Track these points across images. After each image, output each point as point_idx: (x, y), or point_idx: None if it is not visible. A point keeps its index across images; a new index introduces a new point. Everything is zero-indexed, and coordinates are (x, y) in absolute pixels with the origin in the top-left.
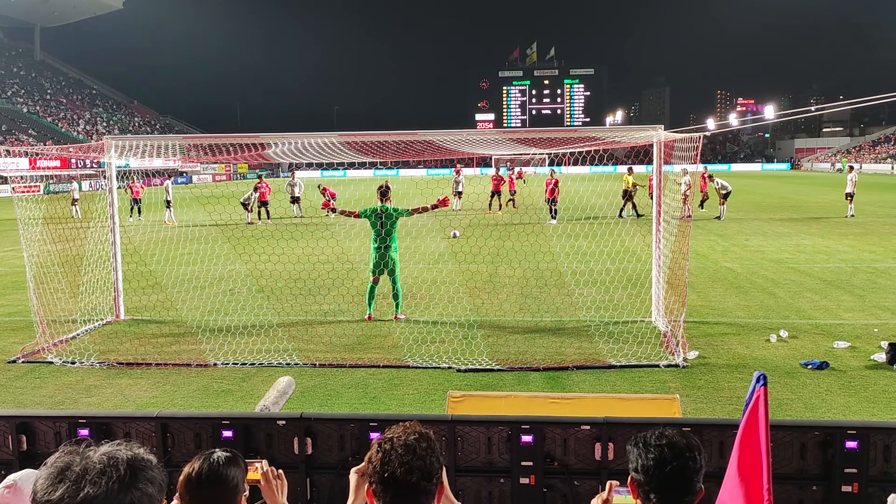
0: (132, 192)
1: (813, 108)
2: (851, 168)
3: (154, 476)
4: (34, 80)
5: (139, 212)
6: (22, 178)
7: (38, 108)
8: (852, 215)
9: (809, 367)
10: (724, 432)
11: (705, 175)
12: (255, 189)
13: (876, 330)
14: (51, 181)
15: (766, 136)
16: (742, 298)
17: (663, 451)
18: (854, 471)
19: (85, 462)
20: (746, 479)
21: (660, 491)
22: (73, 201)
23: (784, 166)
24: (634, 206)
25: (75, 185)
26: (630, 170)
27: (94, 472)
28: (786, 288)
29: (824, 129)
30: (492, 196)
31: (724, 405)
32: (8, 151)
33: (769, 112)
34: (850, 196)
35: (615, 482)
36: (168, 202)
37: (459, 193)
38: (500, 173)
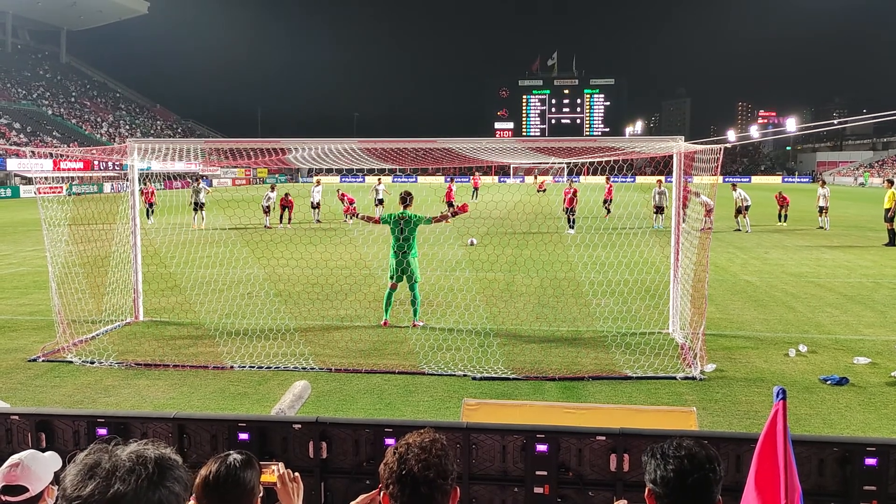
0: (145, 197)
1: (835, 122)
2: (824, 183)
3: (181, 475)
4: (59, 82)
5: (150, 215)
6: (45, 178)
7: (62, 110)
8: (821, 227)
9: (829, 382)
10: (742, 446)
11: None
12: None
13: None
14: (74, 182)
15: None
16: (761, 312)
17: (683, 462)
18: (873, 488)
19: (114, 460)
20: (764, 493)
21: (679, 503)
22: None
23: (806, 179)
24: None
25: None
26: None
27: (123, 470)
28: (805, 302)
29: (847, 143)
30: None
31: (741, 419)
32: (33, 153)
33: (791, 125)
34: (823, 210)
35: (623, 502)
36: (200, 204)
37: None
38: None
